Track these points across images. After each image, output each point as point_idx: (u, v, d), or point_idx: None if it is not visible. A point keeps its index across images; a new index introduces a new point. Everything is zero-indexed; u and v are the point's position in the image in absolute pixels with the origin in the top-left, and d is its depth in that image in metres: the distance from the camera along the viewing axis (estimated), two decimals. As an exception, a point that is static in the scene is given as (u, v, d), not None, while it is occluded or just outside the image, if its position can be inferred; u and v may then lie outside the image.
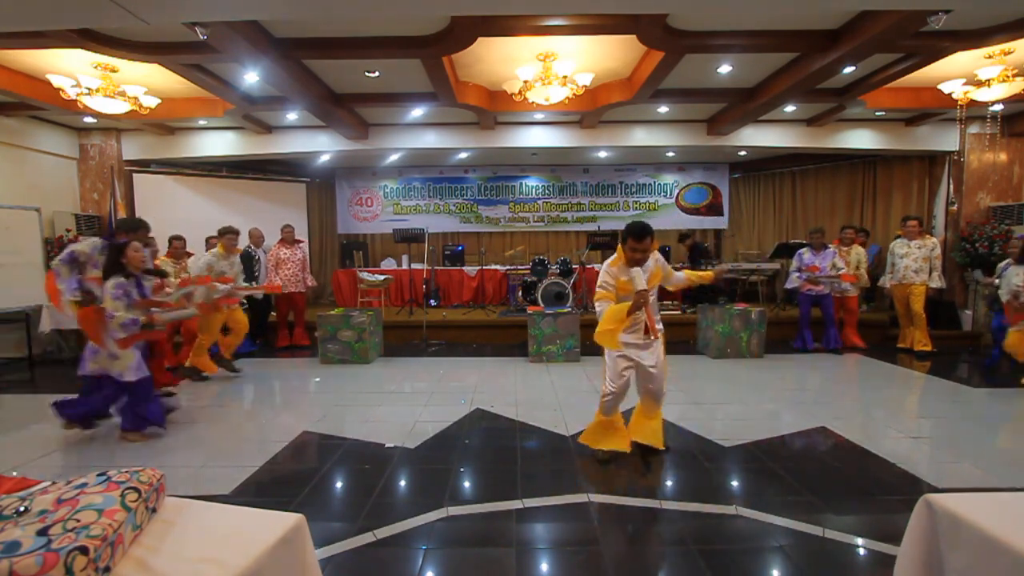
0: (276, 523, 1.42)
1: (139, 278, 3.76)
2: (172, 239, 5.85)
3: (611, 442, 3.27)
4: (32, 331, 6.47)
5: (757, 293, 8.66)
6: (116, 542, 1.19)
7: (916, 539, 1.59)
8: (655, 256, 3.17)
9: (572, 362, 5.98)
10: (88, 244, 3.99)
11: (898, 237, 6.57)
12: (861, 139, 7.73)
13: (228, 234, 5.41)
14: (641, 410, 3.40)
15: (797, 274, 6.40)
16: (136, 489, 1.33)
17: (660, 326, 3.20)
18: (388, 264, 9.60)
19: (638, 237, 2.98)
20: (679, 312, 7.71)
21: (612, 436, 3.28)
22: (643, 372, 3.18)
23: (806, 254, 6.40)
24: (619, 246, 3.12)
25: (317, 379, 5.39)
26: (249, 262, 6.61)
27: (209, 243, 6.53)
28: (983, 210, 7.49)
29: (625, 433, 3.32)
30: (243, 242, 7.01)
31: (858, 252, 6.68)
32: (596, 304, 3.12)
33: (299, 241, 7.10)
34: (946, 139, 7.59)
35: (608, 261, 3.17)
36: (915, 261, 6.28)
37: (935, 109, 6.71)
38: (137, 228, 4.09)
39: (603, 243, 7.84)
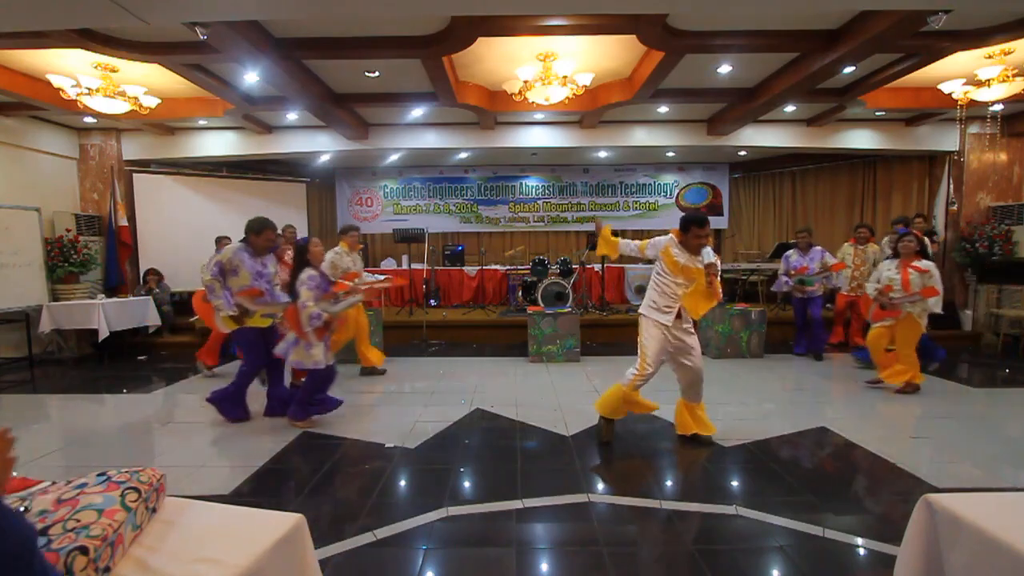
0: (276, 523, 1.42)
1: (324, 275, 3.93)
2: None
3: (638, 408, 3.48)
4: (32, 331, 6.47)
5: (757, 293, 8.66)
6: (116, 542, 1.19)
7: (916, 539, 1.59)
8: (709, 251, 3.32)
9: (572, 362, 5.98)
10: (229, 251, 3.93)
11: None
12: (861, 139, 7.73)
13: (352, 231, 5.49)
14: (684, 403, 3.57)
15: (785, 278, 6.22)
16: (136, 489, 1.33)
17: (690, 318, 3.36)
18: (388, 264, 9.60)
19: (701, 224, 3.26)
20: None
21: (633, 406, 3.47)
22: (681, 355, 3.36)
23: (793, 256, 6.21)
24: (677, 231, 3.37)
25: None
26: None
27: (221, 242, 6.45)
28: (983, 210, 7.49)
29: (642, 399, 3.49)
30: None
31: (874, 250, 6.59)
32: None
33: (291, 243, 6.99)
34: (946, 139, 7.59)
35: (671, 232, 3.40)
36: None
37: (935, 109, 6.70)
38: (264, 228, 4.00)
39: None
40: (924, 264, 4.48)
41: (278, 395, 4.13)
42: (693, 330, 3.41)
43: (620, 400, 3.43)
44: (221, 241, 6.45)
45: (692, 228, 3.26)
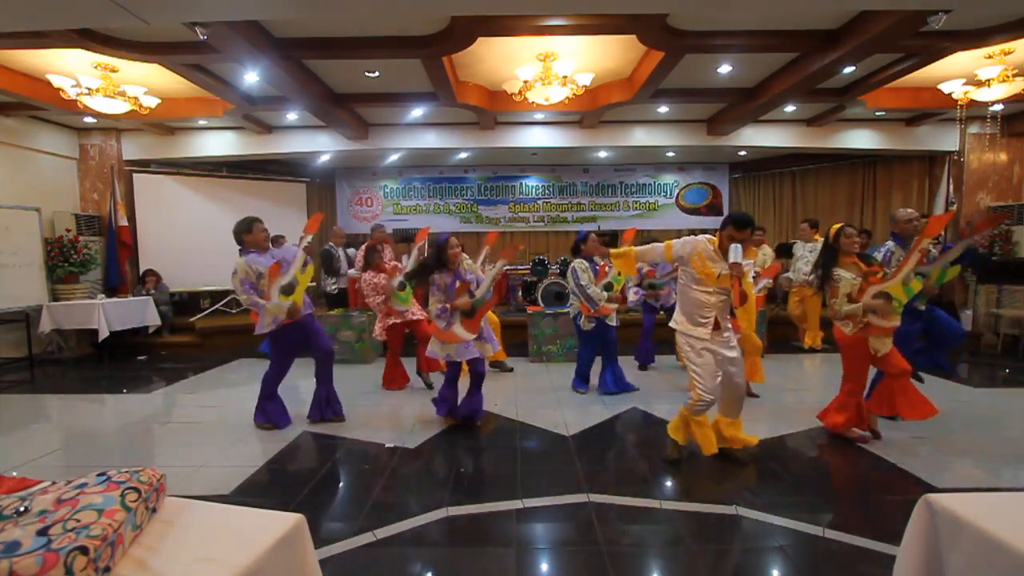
0: (276, 523, 1.41)
1: (458, 273, 3.76)
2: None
3: (705, 442, 3.10)
4: (32, 331, 6.47)
5: (757, 293, 8.66)
6: (116, 542, 1.19)
7: (916, 539, 1.59)
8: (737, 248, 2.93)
9: (572, 362, 5.93)
10: (239, 267, 3.64)
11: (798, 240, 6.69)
12: (861, 139, 7.73)
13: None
14: (721, 419, 3.21)
15: (635, 289, 5.28)
16: (136, 489, 1.33)
17: (730, 325, 3.04)
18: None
19: (740, 226, 2.87)
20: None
21: (706, 436, 3.10)
22: (724, 368, 2.99)
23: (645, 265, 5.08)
24: (718, 232, 3.02)
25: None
26: (330, 260, 6.56)
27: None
28: (983, 210, 7.49)
29: (712, 433, 3.16)
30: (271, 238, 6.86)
31: (764, 252, 6.50)
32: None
33: (387, 240, 6.81)
34: (946, 139, 7.59)
35: (705, 237, 3.02)
36: (806, 264, 6.23)
37: (935, 109, 6.70)
38: (251, 224, 3.77)
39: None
40: None
41: (324, 396, 4.02)
42: (735, 341, 3.06)
43: (683, 421, 3.15)
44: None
45: (728, 227, 2.89)
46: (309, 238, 3.83)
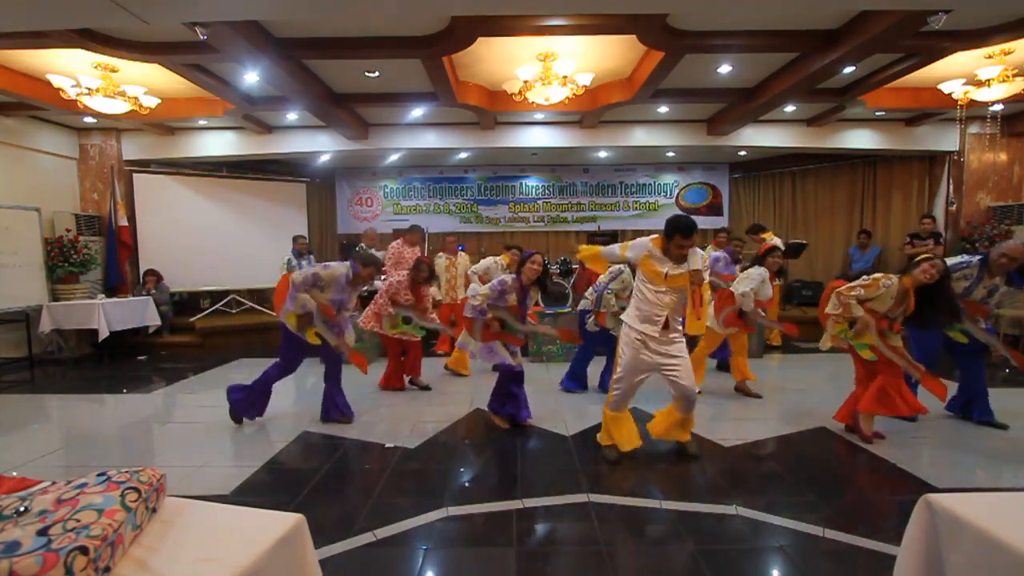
0: (276, 523, 1.41)
1: (528, 288, 3.79)
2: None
3: (621, 438, 3.21)
4: (32, 331, 6.47)
5: (757, 293, 8.65)
6: (116, 542, 1.19)
7: (916, 539, 1.59)
8: (698, 253, 2.99)
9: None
10: (335, 272, 3.80)
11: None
12: (861, 139, 7.73)
13: (514, 248, 5.62)
14: (671, 409, 3.26)
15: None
16: (136, 489, 1.33)
17: (680, 326, 3.07)
18: (388, 264, 9.58)
19: (686, 233, 2.89)
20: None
21: (621, 432, 3.21)
22: (665, 370, 3.05)
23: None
24: (658, 238, 3.02)
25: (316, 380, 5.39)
26: None
27: (297, 242, 6.99)
28: (983, 210, 7.49)
29: (635, 429, 3.27)
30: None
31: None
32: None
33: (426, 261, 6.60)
34: (946, 139, 7.59)
35: (650, 238, 3.05)
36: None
37: (935, 109, 6.70)
38: (371, 263, 3.89)
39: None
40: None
41: (333, 397, 4.05)
42: (681, 339, 3.07)
43: (605, 422, 3.27)
44: (297, 240, 6.64)
45: (676, 238, 2.89)
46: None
